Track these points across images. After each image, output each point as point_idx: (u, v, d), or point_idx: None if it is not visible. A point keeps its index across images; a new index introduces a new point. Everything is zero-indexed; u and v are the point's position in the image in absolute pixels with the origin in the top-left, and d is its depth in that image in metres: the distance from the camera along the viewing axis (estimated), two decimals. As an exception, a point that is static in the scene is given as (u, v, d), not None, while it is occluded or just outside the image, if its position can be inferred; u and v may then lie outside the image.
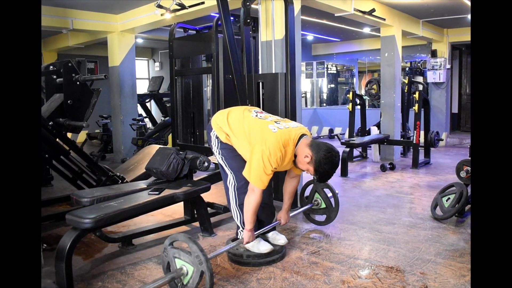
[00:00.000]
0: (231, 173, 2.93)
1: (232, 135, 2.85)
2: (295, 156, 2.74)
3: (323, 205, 3.68)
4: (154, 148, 4.71)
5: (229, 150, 2.92)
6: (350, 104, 7.64)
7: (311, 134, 2.88)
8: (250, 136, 2.74)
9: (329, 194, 3.68)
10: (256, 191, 2.66)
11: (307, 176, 3.25)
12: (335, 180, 5.83)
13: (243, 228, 2.94)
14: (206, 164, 3.54)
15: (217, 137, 2.93)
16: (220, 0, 3.80)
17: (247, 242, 2.80)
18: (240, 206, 2.91)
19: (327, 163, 2.62)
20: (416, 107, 6.67)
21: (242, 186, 2.87)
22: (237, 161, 2.88)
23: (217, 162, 3.12)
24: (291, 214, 3.29)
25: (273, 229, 3.17)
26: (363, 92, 11.05)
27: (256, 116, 2.88)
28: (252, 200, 2.68)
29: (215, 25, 5.20)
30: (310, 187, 3.79)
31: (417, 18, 7.90)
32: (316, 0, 5.18)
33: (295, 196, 3.58)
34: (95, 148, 8.66)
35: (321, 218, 3.77)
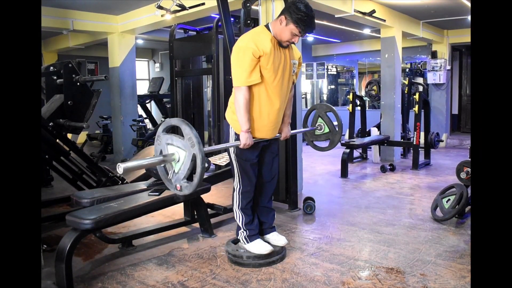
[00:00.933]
0: (238, 176, 2.90)
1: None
2: (280, 44, 2.72)
3: (326, 130, 3.56)
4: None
5: (244, 153, 2.83)
6: (350, 105, 7.64)
7: None
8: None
9: (334, 122, 3.58)
10: (241, 89, 2.63)
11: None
12: (335, 181, 5.83)
13: (244, 230, 2.94)
14: (206, 165, 3.54)
15: (235, 133, 2.85)
16: (221, 1, 3.80)
17: (245, 144, 2.70)
18: (242, 210, 2.92)
19: (298, 7, 2.60)
20: (416, 108, 6.67)
21: (247, 192, 2.88)
22: (248, 169, 2.85)
23: (218, 162, 3.12)
24: (292, 132, 3.18)
25: (273, 230, 3.16)
26: (363, 93, 11.04)
27: None
28: (240, 97, 2.64)
29: (215, 26, 5.21)
30: (313, 114, 3.66)
31: (417, 19, 7.90)
32: (316, 1, 5.18)
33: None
34: (95, 149, 8.66)
35: (324, 144, 3.66)
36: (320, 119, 3.58)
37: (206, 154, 3.80)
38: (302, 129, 3.59)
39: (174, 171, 2.29)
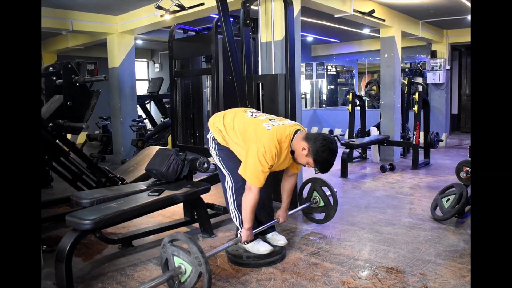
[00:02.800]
0: (228, 174, 2.93)
1: (228, 137, 2.86)
2: (293, 152, 2.73)
3: (322, 203, 3.70)
4: (154, 149, 4.71)
5: (226, 152, 2.92)
6: (350, 105, 7.64)
7: (306, 130, 2.88)
8: (245, 135, 2.75)
9: (328, 193, 3.69)
10: (253, 189, 2.66)
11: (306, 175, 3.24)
12: (334, 181, 5.83)
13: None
14: (206, 165, 3.54)
15: (214, 139, 2.94)
16: (220, 1, 3.80)
17: (246, 241, 2.81)
18: (238, 207, 2.91)
19: (324, 150, 2.60)
20: (416, 108, 6.67)
21: (240, 187, 2.87)
22: (234, 162, 2.88)
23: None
24: (289, 213, 3.30)
25: (273, 230, 3.17)
26: (362, 93, 11.05)
27: (251, 115, 2.89)
28: (250, 198, 2.68)
29: (214, 26, 5.20)
30: (309, 186, 3.79)
31: (417, 19, 7.90)
32: (315, 1, 5.18)
33: (294, 196, 3.58)
34: (94, 149, 8.66)
35: (320, 216, 3.78)
36: (315, 193, 3.74)
37: (206, 155, 3.81)
38: (300, 207, 3.74)
39: (180, 281, 2.38)
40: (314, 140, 2.63)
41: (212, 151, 2.97)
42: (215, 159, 2.99)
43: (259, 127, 2.71)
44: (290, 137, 2.70)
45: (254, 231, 2.87)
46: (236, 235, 3.03)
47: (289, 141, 2.70)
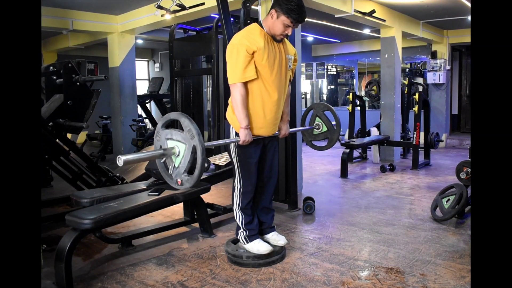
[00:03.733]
0: (239, 176, 2.90)
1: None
2: (274, 38, 2.74)
3: (324, 128, 3.56)
4: (154, 149, 4.70)
5: (246, 154, 2.84)
6: (350, 105, 7.64)
7: None
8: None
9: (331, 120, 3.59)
10: (237, 85, 2.64)
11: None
12: (334, 181, 5.83)
13: (244, 229, 2.94)
14: (206, 165, 3.54)
15: (236, 133, 2.83)
16: (220, 1, 3.80)
17: (244, 141, 2.71)
18: (242, 210, 2.91)
19: None
20: (416, 108, 6.67)
21: (247, 192, 2.88)
22: (250, 168, 2.85)
23: (218, 162, 3.12)
24: (291, 130, 3.19)
25: (273, 230, 3.16)
26: (363, 93, 11.04)
27: None
28: (236, 94, 2.65)
29: (215, 26, 5.20)
30: (310, 114, 3.67)
31: (417, 19, 7.90)
32: (316, 1, 5.18)
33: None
34: (95, 149, 8.66)
35: (323, 143, 3.67)
36: (318, 119, 3.59)
37: (206, 154, 3.81)
38: (301, 128, 3.60)
39: (174, 165, 2.29)
40: (276, 1, 2.68)
41: (232, 147, 2.89)
42: (232, 154, 2.91)
43: None
44: (255, 23, 2.79)
45: (254, 137, 2.77)
46: (237, 234, 3.03)
47: (255, 25, 2.76)
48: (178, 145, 2.28)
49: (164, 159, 2.37)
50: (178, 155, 2.28)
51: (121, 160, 2.09)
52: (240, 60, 2.61)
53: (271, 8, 2.71)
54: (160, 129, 2.37)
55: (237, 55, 2.62)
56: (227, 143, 2.83)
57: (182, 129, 2.27)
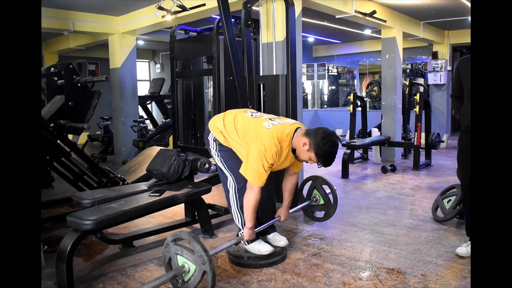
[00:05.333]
0: (230, 175, 2.92)
1: (229, 137, 2.87)
2: (294, 151, 2.74)
3: (322, 202, 3.72)
4: (155, 149, 4.71)
5: (228, 152, 2.93)
6: (351, 105, 7.64)
7: (305, 128, 2.88)
8: (246, 135, 2.76)
9: (328, 191, 3.70)
10: (254, 189, 2.67)
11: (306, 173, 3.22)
12: (335, 181, 5.83)
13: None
14: (207, 165, 3.54)
15: (215, 140, 2.94)
16: (221, 1, 3.81)
17: (248, 240, 2.82)
18: (241, 208, 2.90)
19: (326, 143, 2.61)
20: (417, 109, 6.67)
21: (242, 188, 2.87)
22: (236, 163, 2.88)
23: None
24: (290, 211, 3.29)
25: (274, 230, 3.17)
26: (364, 94, 11.04)
27: (251, 115, 2.91)
28: (251, 197, 2.69)
29: (216, 27, 5.20)
30: (309, 184, 3.79)
31: (418, 20, 7.90)
32: (317, 2, 5.18)
33: (295, 195, 3.57)
34: (96, 149, 8.67)
35: (320, 214, 3.81)
36: (315, 191, 3.75)
37: (207, 156, 3.81)
38: (300, 206, 3.75)
39: (184, 280, 2.38)
40: (315, 134, 2.64)
41: (214, 152, 2.97)
42: (216, 160, 2.99)
43: (260, 127, 2.73)
44: (291, 135, 2.71)
45: (256, 230, 2.88)
46: (238, 236, 3.03)
47: (290, 140, 2.71)
48: (188, 263, 2.36)
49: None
50: (188, 272, 2.37)
51: None
52: (265, 168, 2.64)
53: (308, 135, 2.67)
54: (171, 243, 2.46)
55: (265, 163, 2.63)
56: (232, 244, 2.87)
57: (192, 250, 2.36)
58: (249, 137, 2.73)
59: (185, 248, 2.39)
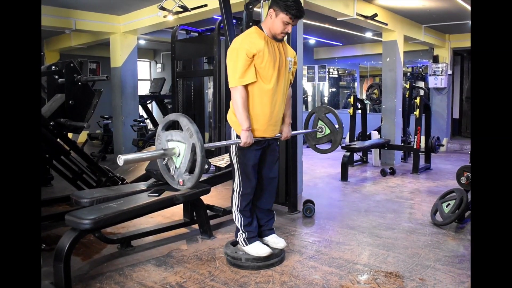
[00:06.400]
0: (239, 178, 2.89)
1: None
2: (274, 38, 2.78)
3: (327, 131, 3.55)
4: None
5: (247, 155, 2.83)
6: (351, 108, 7.64)
7: None
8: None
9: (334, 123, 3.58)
10: (237, 89, 2.66)
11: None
12: (335, 184, 5.83)
13: (243, 232, 2.94)
14: (206, 166, 3.54)
15: (237, 136, 2.84)
16: (223, 2, 3.81)
17: (245, 143, 2.71)
18: (241, 211, 2.91)
19: None
20: (417, 112, 6.67)
21: (247, 195, 2.88)
22: (249, 171, 2.84)
23: (218, 164, 3.12)
24: (293, 133, 3.16)
25: (273, 232, 3.16)
26: (364, 97, 11.04)
27: None
28: (237, 98, 2.68)
29: (217, 28, 5.22)
30: (313, 118, 3.66)
31: (419, 23, 7.91)
32: (318, 4, 5.19)
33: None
34: (95, 148, 8.67)
35: (327, 146, 3.64)
36: (320, 122, 3.58)
37: (207, 155, 3.81)
38: (303, 131, 3.58)
39: (175, 166, 2.31)
40: (273, 1, 2.72)
41: (233, 149, 2.89)
42: (232, 156, 2.91)
43: None
44: (254, 26, 2.81)
45: (255, 138, 2.76)
46: (236, 236, 3.03)
47: (255, 28, 2.78)
48: (179, 145, 2.30)
49: (165, 160, 2.39)
50: (178, 155, 2.30)
51: (121, 159, 2.11)
52: (240, 64, 2.64)
53: (269, 8, 2.75)
54: (161, 131, 2.39)
55: (237, 59, 2.65)
56: (228, 144, 2.84)
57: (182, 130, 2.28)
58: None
59: (174, 130, 2.33)
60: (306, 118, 3.75)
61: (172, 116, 2.36)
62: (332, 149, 3.60)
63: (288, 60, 2.86)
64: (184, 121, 2.23)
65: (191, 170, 2.27)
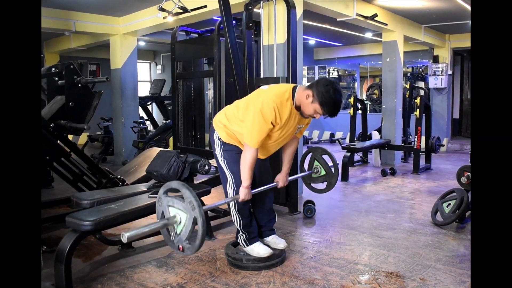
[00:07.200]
0: (231, 177, 2.91)
1: (231, 125, 2.84)
2: (298, 108, 2.69)
3: (323, 172, 3.58)
4: (155, 151, 4.71)
5: (231, 153, 2.89)
6: (352, 108, 7.64)
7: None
8: (248, 104, 2.73)
9: (329, 163, 3.60)
10: (252, 149, 2.65)
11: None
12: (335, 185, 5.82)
13: (243, 232, 2.94)
14: (206, 167, 3.54)
15: (219, 138, 2.91)
16: (223, 3, 3.81)
17: (243, 199, 2.74)
18: (239, 210, 2.90)
19: (328, 90, 2.55)
20: (417, 112, 6.67)
21: None
22: (238, 166, 2.86)
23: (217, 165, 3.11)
24: (290, 178, 3.19)
25: (273, 233, 3.16)
26: (364, 97, 11.05)
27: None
28: (248, 155, 2.66)
29: (217, 29, 5.22)
30: (309, 157, 3.70)
31: (419, 23, 7.91)
32: (318, 5, 5.19)
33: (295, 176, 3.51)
34: (96, 150, 8.67)
35: (322, 186, 3.65)
36: (316, 162, 3.65)
37: (207, 157, 3.81)
38: (300, 174, 3.65)
39: (176, 232, 2.34)
40: (316, 85, 2.60)
41: (218, 151, 2.93)
42: (219, 160, 2.95)
43: (258, 90, 2.76)
44: (290, 91, 2.68)
45: (253, 191, 2.79)
46: (236, 238, 3.03)
47: (290, 95, 2.67)
48: (180, 213, 2.32)
49: (166, 227, 2.42)
50: (179, 223, 2.33)
51: (124, 237, 2.17)
52: (263, 130, 2.62)
53: (310, 87, 2.63)
54: (162, 195, 2.42)
55: (262, 124, 2.60)
56: (227, 201, 2.86)
57: (183, 198, 2.31)
58: (250, 104, 2.71)
59: (176, 198, 2.33)
60: (302, 157, 3.82)
61: (174, 184, 2.39)
62: (326, 190, 3.68)
63: (298, 127, 2.86)
64: (186, 192, 2.25)
65: (191, 239, 2.30)
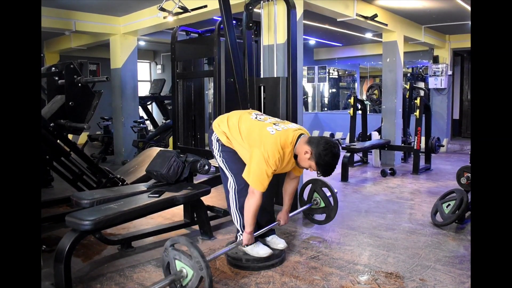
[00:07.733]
0: (231, 176, 2.93)
1: (232, 138, 2.88)
2: (296, 156, 2.74)
3: (322, 204, 3.71)
4: (155, 150, 4.71)
5: (230, 153, 2.93)
6: (351, 109, 7.64)
7: (309, 134, 2.88)
8: (250, 138, 2.77)
9: (328, 194, 3.69)
10: (256, 194, 2.68)
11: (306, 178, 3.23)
12: (335, 184, 5.82)
13: (243, 232, 2.94)
14: (206, 167, 3.54)
15: (218, 140, 2.94)
16: (223, 3, 3.81)
17: (247, 245, 2.83)
18: (240, 209, 2.90)
19: (327, 154, 2.62)
20: (417, 112, 6.67)
21: (243, 189, 2.87)
22: (238, 164, 2.88)
23: (217, 165, 3.13)
24: (290, 215, 3.29)
25: (273, 233, 3.16)
26: (364, 97, 11.05)
27: (256, 118, 2.91)
28: (252, 202, 2.70)
29: (217, 29, 5.22)
30: (309, 187, 3.79)
31: (419, 24, 7.91)
32: (318, 5, 5.19)
33: (295, 199, 3.58)
34: (95, 149, 8.67)
35: (321, 217, 3.79)
36: (316, 194, 3.75)
37: (207, 157, 3.81)
38: (300, 209, 3.75)
39: (182, 284, 2.39)
40: (317, 144, 2.65)
41: (216, 152, 2.97)
42: (218, 160, 2.99)
43: (263, 131, 2.74)
44: (293, 142, 2.72)
45: (255, 234, 2.88)
46: (236, 238, 3.03)
47: (292, 146, 2.72)
48: (186, 268, 2.38)
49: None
50: (186, 277, 2.38)
51: None
52: (268, 174, 2.66)
53: (311, 143, 2.68)
54: (169, 247, 2.47)
55: (267, 169, 2.64)
56: (231, 249, 2.87)
57: (189, 255, 2.36)
58: (252, 141, 2.74)
59: (183, 253, 2.40)
60: (302, 187, 3.92)
61: (182, 241, 2.43)
62: (325, 222, 3.77)
63: (292, 167, 2.90)
64: (194, 252, 2.30)
65: None
